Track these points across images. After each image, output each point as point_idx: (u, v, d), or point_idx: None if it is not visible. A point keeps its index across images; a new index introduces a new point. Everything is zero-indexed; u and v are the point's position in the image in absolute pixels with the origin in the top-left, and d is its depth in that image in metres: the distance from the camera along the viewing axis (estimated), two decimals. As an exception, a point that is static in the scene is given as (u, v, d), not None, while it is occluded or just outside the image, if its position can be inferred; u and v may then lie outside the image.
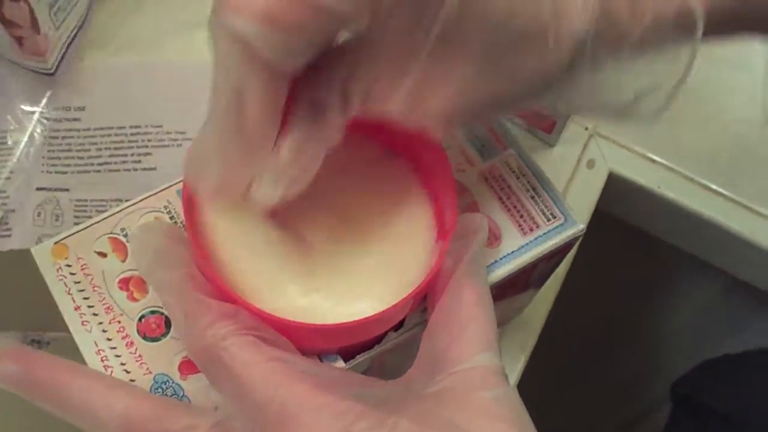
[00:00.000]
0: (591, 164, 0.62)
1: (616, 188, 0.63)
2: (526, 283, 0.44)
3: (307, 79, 0.31)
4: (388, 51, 0.30)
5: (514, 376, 0.53)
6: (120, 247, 0.39)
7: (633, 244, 0.71)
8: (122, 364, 0.36)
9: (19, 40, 0.53)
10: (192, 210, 0.36)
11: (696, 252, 0.68)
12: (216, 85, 0.30)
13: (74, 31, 0.58)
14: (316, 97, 0.31)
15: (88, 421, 0.34)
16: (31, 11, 0.51)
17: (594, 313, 0.86)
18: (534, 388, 0.51)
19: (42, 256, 0.38)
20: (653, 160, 0.63)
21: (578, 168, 0.61)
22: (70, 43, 0.57)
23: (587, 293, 0.73)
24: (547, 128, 0.59)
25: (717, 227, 0.62)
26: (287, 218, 0.37)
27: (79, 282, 0.38)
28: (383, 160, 0.39)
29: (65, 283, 0.38)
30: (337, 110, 0.32)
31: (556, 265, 0.45)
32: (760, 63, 0.67)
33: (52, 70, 0.56)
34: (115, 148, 0.57)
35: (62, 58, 0.57)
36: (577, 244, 0.54)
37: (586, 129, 0.63)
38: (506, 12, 0.29)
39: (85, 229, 0.39)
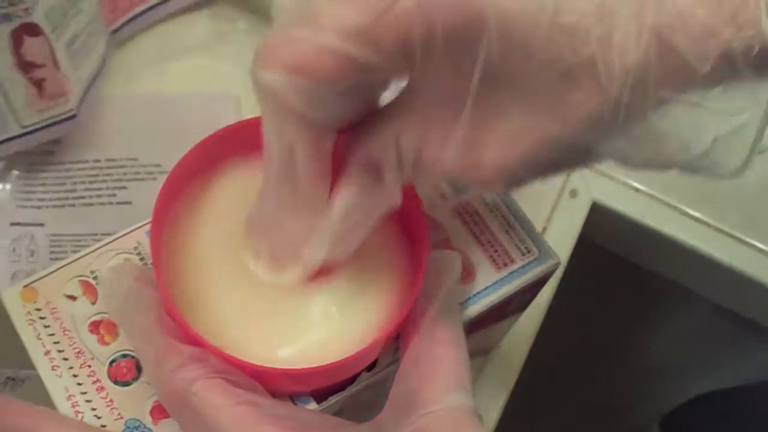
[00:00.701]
0: (574, 194, 0.62)
1: (599, 218, 0.63)
2: (503, 315, 0.44)
3: (361, 136, 0.32)
4: (432, 101, 0.30)
5: (496, 413, 0.53)
6: (90, 290, 0.39)
7: (618, 273, 0.71)
8: (93, 409, 0.36)
9: (39, 84, 0.51)
10: (159, 252, 0.36)
11: (681, 280, 0.68)
12: (265, 143, 0.31)
13: (94, 75, 0.56)
14: (370, 154, 0.32)
15: None
16: (51, 48, 0.50)
17: (579, 342, 0.86)
18: (517, 421, 0.51)
19: (11, 300, 0.38)
20: (637, 189, 0.63)
21: (561, 198, 0.61)
22: (90, 87, 0.56)
23: (572, 323, 0.73)
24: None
25: (701, 256, 0.62)
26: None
27: (48, 326, 0.38)
28: None
29: (35, 327, 0.38)
30: (392, 169, 0.32)
31: (532, 297, 0.45)
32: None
33: (74, 113, 0.54)
34: (90, 182, 0.57)
35: (82, 101, 0.55)
36: (561, 273, 0.55)
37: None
38: (549, 46, 0.27)
39: (54, 272, 0.39)
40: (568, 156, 0.30)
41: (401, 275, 0.37)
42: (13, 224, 0.56)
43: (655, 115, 0.28)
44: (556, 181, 0.62)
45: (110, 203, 0.56)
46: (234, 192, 0.38)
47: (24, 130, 0.53)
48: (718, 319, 0.75)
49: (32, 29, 0.49)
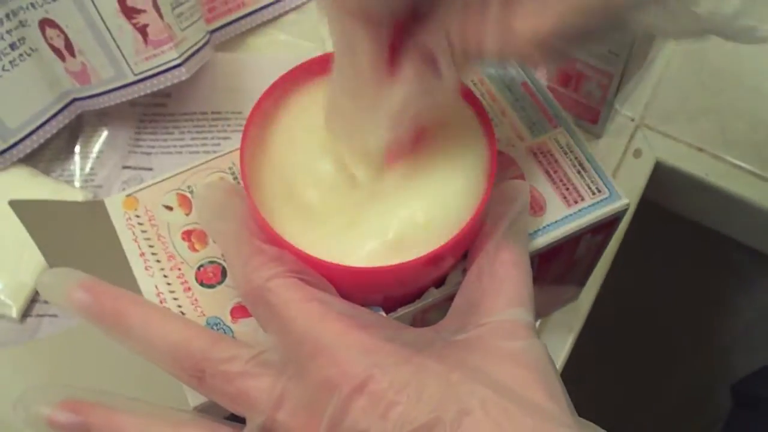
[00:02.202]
0: (637, 154, 0.63)
1: (663, 177, 0.63)
2: (573, 255, 0.45)
3: (413, 28, 0.34)
4: None
5: (561, 358, 0.55)
6: (185, 202, 0.42)
7: (684, 235, 0.71)
8: (179, 306, 0.39)
9: (143, 31, 0.54)
10: (248, 163, 0.39)
11: (747, 240, 0.68)
12: (332, 41, 0.34)
13: (200, 44, 0.58)
14: (423, 45, 0.34)
15: (146, 348, 0.37)
16: None
17: (645, 303, 0.85)
18: (584, 370, 0.52)
19: (114, 206, 0.42)
20: (700, 149, 0.63)
21: (624, 158, 0.63)
22: (197, 51, 0.58)
23: (637, 284, 0.73)
24: (593, 119, 0.60)
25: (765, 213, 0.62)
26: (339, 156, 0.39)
27: (145, 231, 0.41)
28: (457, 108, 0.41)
29: (133, 232, 0.41)
30: (444, 57, 0.33)
31: (602, 244, 0.46)
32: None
33: (180, 62, 0.55)
34: (197, 132, 0.61)
35: (190, 57, 0.57)
36: (624, 231, 0.56)
37: (632, 120, 0.64)
38: None
39: (155, 184, 0.43)
40: (600, 23, 0.31)
41: (478, 188, 0.39)
42: (125, 167, 0.60)
43: None
44: (619, 142, 0.63)
45: (214, 152, 0.59)
46: (313, 107, 0.40)
47: (136, 78, 0.56)
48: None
49: None
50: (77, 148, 0.61)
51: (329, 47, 0.51)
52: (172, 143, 0.61)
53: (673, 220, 0.68)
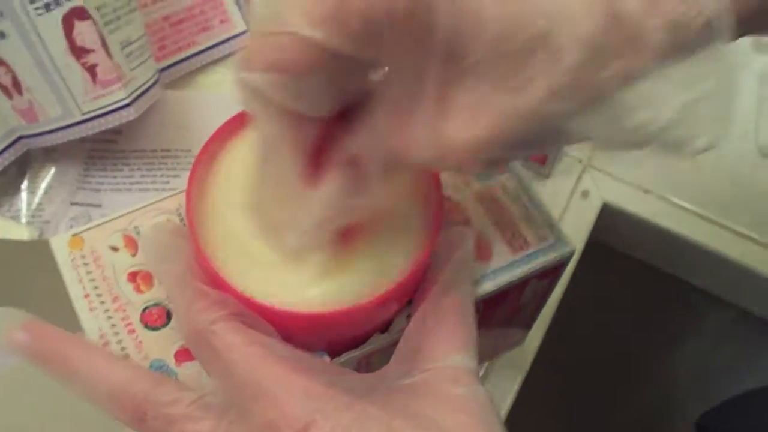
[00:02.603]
0: (585, 195, 0.64)
1: (610, 218, 0.64)
2: (518, 305, 0.46)
3: (340, 132, 0.33)
4: (402, 93, 0.31)
5: (505, 407, 0.55)
6: (131, 243, 0.42)
7: (632, 274, 0.72)
8: (123, 348, 0.39)
9: (92, 71, 0.54)
10: (193, 205, 0.39)
11: (693, 280, 0.69)
12: (256, 139, 0.35)
13: (149, 84, 0.58)
14: (349, 151, 0.33)
15: (88, 390, 0.36)
16: (100, 34, 0.53)
17: (595, 347, 0.86)
18: (528, 416, 0.52)
19: (59, 246, 0.42)
20: (647, 191, 0.65)
21: (572, 199, 0.63)
22: (145, 91, 0.58)
23: (584, 325, 0.74)
24: (541, 159, 0.61)
25: (714, 255, 0.63)
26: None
27: (90, 272, 0.41)
28: None
29: (78, 272, 0.41)
30: (372, 164, 0.33)
31: (548, 288, 0.46)
32: (752, 97, 0.69)
33: (128, 101, 0.55)
34: (147, 170, 0.60)
35: (137, 99, 0.57)
36: (571, 272, 0.56)
37: (580, 161, 0.65)
38: (503, 18, 0.28)
39: (101, 224, 0.42)
40: (535, 132, 0.30)
41: (419, 238, 0.39)
42: (73, 203, 0.60)
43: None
44: (567, 183, 0.64)
45: (163, 189, 0.60)
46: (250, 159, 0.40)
47: (84, 117, 0.56)
48: (742, 321, 0.76)
49: (81, 13, 0.52)
50: (25, 183, 0.61)
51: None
52: (121, 180, 0.60)
53: (620, 258, 0.69)
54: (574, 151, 0.65)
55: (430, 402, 0.34)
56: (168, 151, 0.61)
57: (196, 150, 0.59)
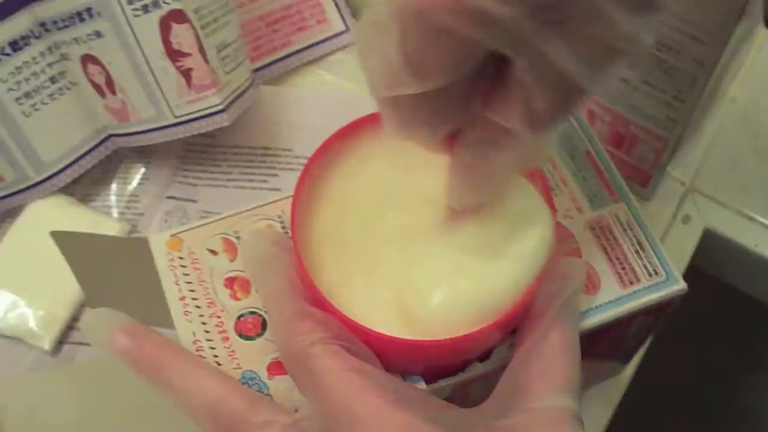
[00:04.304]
0: (686, 220, 0.61)
1: (711, 245, 0.61)
2: (624, 335, 0.43)
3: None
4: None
5: (600, 429, 0.52)
6: (231, 248, 0.40)
7: (732, 305, 0.68)
8: (215, 356, 0.37)
9: (187, 74, 0.53)
10: (297, 220, 0.37)
11: None
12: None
13: (245, 87, 0.57)
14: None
15: (182, 401, 0.35)
16: (198, 38, 0.51)
17: (689, 374, 0.83)
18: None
19: (158, 245, 0.40)
20: (751, 218, 0.61)
21: (673, 223, 0.60)
22: (239, 96, 0.56)
23: (681, 352, 0.71)
24: (643, 183, 0.58)
25: None
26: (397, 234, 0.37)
27: (188, 275, 0.40)
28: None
29: (175, 273, 0.40)
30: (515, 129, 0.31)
31: (652, 325, 0.44)
32: None
33: (223, 107, 0.53)
34: (245, 167, 0.59)
35: (232, 103, 0.55)
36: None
37: (683, 184, 0.62)
38: None
39: (201, 226, 0.41)
40: None
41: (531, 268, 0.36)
42: (169, 197, 0.59)
43: None
44: (668, 207, 0.61)
45: (261, 188, 0.58)
46: (371, 164, 0.39)
47: (177, 120, 0.55)
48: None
49: (179, 16, 0.50)
50: (118, 175, 0.60)
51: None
52: (218, 176, 0.59)
53: (720, 288, 0.66)
54: (677, 173, 0.62)
55: None
56: (267, 149, 0.59)
57: (297, 149, 0.58)
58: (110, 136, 0.58)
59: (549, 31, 0.27)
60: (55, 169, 0.56)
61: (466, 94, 0.30)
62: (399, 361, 0.36)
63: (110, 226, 0.56)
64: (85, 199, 0.59)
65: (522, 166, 0.35)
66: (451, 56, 0.27)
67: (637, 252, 0.40)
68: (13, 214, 0.57)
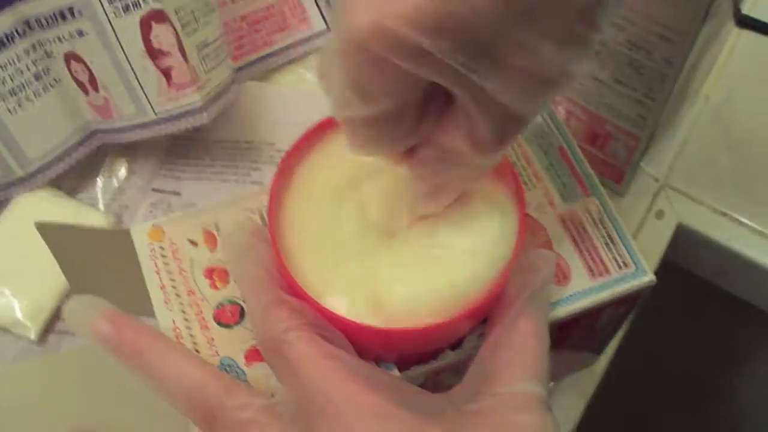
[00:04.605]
0: (660, 215, 0.61)
1: (684, 240, 0.62)
2: (593, 330, 0.44)
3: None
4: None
5: (573, 421, 0.53)
6: (211, 239, 0.41)
7: (702, 296, 0.69)
8: (194, 343, 0.38)
9: (167, 73, 0.53)
10: (275, 212, 0.38)
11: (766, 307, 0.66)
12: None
13: (226, 85, 0.57)
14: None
15: (161, 385, 0.36)
16: (178, 37, 0.52)
17: (661, 366, 0.83)
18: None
19: (139, 235, 0.41)
20: (723, 213, 0.62)
21: (647, 218, 0.61)
22: (219, 95, 0.57)
23: (653, 344, 0.71)
24: (617, 179, 0.59)
25: None
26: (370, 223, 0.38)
27: (168, 264, 0.40)
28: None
29: (156, 263, 0.40)
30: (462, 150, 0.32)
31: (623, 317, 0.44)
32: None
33: (201, 104, 0.54)
34: (229, 160, 0.59)
35: (212, 102, 0.56)
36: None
37: (656, 180, 0.63)
38: None
39: (182, 218, 0.41)
40: None
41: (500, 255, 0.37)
42: (154, 189, 0.59)
43: None
44: (642, 202, 0.62)
45: (244, 181, 0.58)
46: (344, 156, 0.39)
47: (157, 118, 0.55)
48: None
49: (159, 16, 0.51)
50: (104, 167, 0.60)
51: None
52: (202, 169, 0.59)
53: (693, 281, 0.67)
54: (651, 169, 0.62)
55: (498, 429, 0.33)
56: (251, 142, 0.60)
57: (279, 143, 0.59)
58: (95, 132, 0.59)
59: (481, 65, 0.28)
60: (40, 165, 0.57)
61: (415, 116, 0.32)
62: (372, 348, 0.36)
63: (96, 218, 0.57)
64: (71, 191, 0.59)
65: (475, 179, 0.37)
66: (393, 83, 0.29)
67: (607, 245, 0.41)
68: (0, 206, 0.58)
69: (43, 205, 0.57)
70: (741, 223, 0.61)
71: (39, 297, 0.54)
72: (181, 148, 0.60)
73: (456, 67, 0.28)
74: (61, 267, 0.42)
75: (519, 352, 0.35)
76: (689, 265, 0.65)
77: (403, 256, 0.37)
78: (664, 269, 0.59)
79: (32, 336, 0.53)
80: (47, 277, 0.54)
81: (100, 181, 0.60)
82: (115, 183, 0.59)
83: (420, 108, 0.31)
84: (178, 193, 0.58)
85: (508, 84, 0.29)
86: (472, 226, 0.37)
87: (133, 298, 0.40)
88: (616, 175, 0.59)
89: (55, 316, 0.54)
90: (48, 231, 0.42)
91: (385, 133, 0.32)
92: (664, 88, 0.48)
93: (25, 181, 0.57)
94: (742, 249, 0.61)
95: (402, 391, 0.34)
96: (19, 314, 0.54)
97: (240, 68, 0.63)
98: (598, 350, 0.51)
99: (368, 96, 0.30)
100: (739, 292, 0.66)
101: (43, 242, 0.42)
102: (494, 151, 0.32)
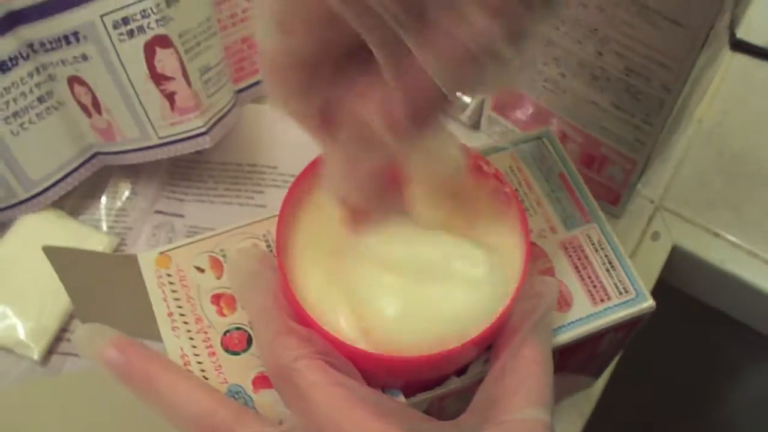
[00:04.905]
0: (655, 236, 0.62)
1: (680, 262, 0.62)
2: (594, 355, 0.44)
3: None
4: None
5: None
6: (217, 266, 0.41)
7: (697, 317, 0.69)
8: (202, 370, 0.38)
9: (171, 98, 0.53)
10: (283, 240, 0.38)
11: (760, 328, 0.67)
12: None
13: (228, 108, 0.57)
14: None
15: (170, 413, 0.36)
16: (181, 62, 0.52)
17: (657, 387, 0.83)
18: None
19: (147, 263, 0.41)
20: (717, 235, 0.62)
21: (643, 240, 0.61)
22: (222, 118, 0.57)
23: (649, 365, 0.71)
24: (614, 200, 0.59)
25: None
26: (374, 250, 0.38)
27: (175, 291, 0.40)
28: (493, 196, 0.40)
29: (163, 291, 0.40)
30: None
31: (623, 341, 0.45)
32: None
33: (205, 130, 0.54)
34: (231, 183, 0.60)
35: (214, 125, 0.56)
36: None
37: (652, 202, 0.63)
38: None
39: (188, 244, 0.41)
40: None
41: (505, 284, 0.37)
42: (157, 212, 0.59)
43: None
44: (638, 224, 0.62)
45: (247, 204, 0.59)
46: None
47: (160, 141, 0.56)
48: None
49: (164, 41, 0.51)
50: (107, 189, 0.61)
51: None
52: (205, 191, 0.59)
53: (689, 303, 0.67)
54: (647, 191, 0.63)
55: None
56: (254, 165, 0.60)
57: (282, 166, 0.59)
58: (97, 153, 0.59)
59: (411, 20, 0.27)
60: (43, 187, 0.57)
61: (333, 72, 0.31)
62: (379, 375, 0.37)
63: (99, 240, 0.57)
64: (74, 212, 0.59)
65: (388, 164, 0.34)
66: (316, 21, 0.29)
67: (608, 270, 0.41)
68: (3, 227, 0.58)
69: (47, 226, 0.57)
70: (734, 244, 0.62)
71: (42, 318, 0.54)
72: (184, 170, 0.60)
73: (386, 17, 0.27)
74: (67, 290, 0.42)
75: (524, 379, 0.35)
76: (683, 285, 0.65)
77: (409, 285, 0.37)
78: (659, 289, 0.60)
79: (35, 356, 0.53)
80: (50, 297, 0.54)
81: (103, 203, 0.60)
82: (118, 204, 0.60)
83: (338, 67, 0.31)
84: (181, 215, 0.59)
85: (433, 48, 0.27)
86: (478, 253, 0.38)
87: (139, 322, 0.40)
88: (613, 197, 0.59)
89: (58, 337, 0.54)
90: (54, 254, 0.42)
91: (300, 79, 0.31)
92: (662, 114, 0.48)
93: (28, 203, 0.57)
94: (735, 270, 0.61)
95: (409, 418, 0.34)
96: (22, 335, 0.54)
97: (241, 90, 0.63)
98: (597, 374, 0.51)
99: (289, 28, 0.29)
100: (732, 312, 0.67)
101: (46, 263, 0.41)
102: (406, 133, 0.30)
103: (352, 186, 0.35)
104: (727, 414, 0.89)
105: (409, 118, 0.29)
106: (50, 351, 0.54)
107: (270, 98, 0.32)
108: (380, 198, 0.36)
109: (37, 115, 0.55)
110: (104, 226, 0.59)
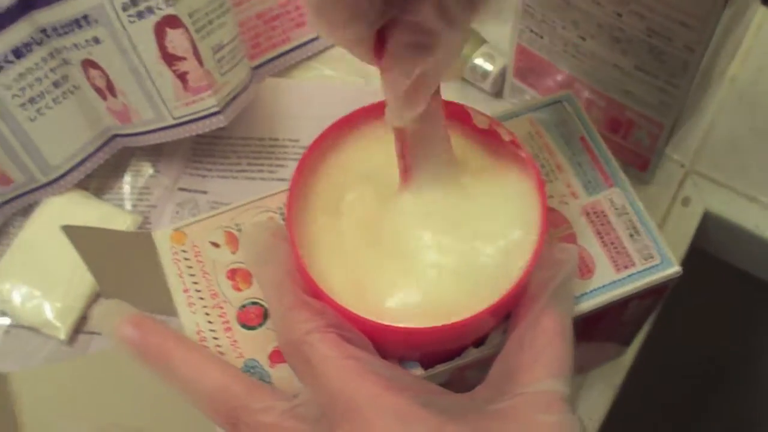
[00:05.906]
0: (686, 202, 0.59)
1: (711, 227, 0.60)
2: (619, 323, 0.42)
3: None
4: None
5: (601, 414, 0.52)
6: (232, 240, 0.40)
7: (731, 283, 0.67)
8: (218, 345, 0.37)
9: (183, 78, 0.52)
10: (294, 213, 0.37)
11: None
12: None
13: (243, 86, 0.56)
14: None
15: (185, 388, 0.35)
16: (192, 41, 0.51)
17: (691, 354, 0.81)
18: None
19: (162, 240, 0.40)
20: (751, 198, 0.60)
21: (673, 205, 0.59)
22: (236, 97, 0.56)
23: (683, 332, 0.69)
24: (642, 166, 0.57)
25: None
26: (384, 226, 0.37)
27: (191, 267, 0.39)
28: (511, 163, 0.38)
29: (179, 267, 0.39)
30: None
31: (650, 308, 0.43)
32: None
33: (219, 109, 0.53)
34: (254, 158, 0.59)
35: (229, 104, 0.55)
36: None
37: (682, 166, 0.61)
38: None
39: (203, 219, 0.41)
40: None
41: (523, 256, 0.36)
42: (180, 189, 0.58)
43: None
44: (668, 189, 0.60)
45: (270, 179, 0.58)
46: (363, 154, 0.39)
47: (175, 122, 0.55)
48: None
49: (173, 21, 0.50)
50: (130, 168, 0.60)
51: (375, 82, 0.49)
52: (228, 167, 0.58)
53: (721, 268, 0.65)
54: (677, 155, 0.61)
55: (521, 429, 0.32)
56: (276, 140, 0.59)
57: (304, 139, 0.58)
58: (115, 136, 0.58)
59: None
60: (63, 171, 0.57)
61: None
62: (395, 347, 0.36)
63: (123, 219, 0.56)
64: (98, 192, 0.59)
65: (446, 68, 0.33)
66: None
67: (631, 236, 0.39)
68: (26, 210, 0.58)
69: (71, 207, 0.57)
70: (769, 208, 0.60)
71: (69, 298, 0.54)
72: (206, 147, 0.59)
73: None
74: (89, 268, 0.42)
75: (542, 350, 0.34)
76: (716, 251, 0.63)
77: (426, 253, 0.36)
78: (692, 256, 0.58)
79: (62, 336, 0.53)
80: (76, 277, 0.53)
81: (126, 182, 0.59)
82: (141, 183, 0.59)
83: None
84: (204, 192, 0.58)
85: None
86: (494, 221, 0.36)
87: (157, 299, 0.40)
88: (641, 162, 0.57)
89: (85, 316, 0.54)
90: (74, 234, 0.42)
91: (354, 10, 0.30)
92: (687, 75, 0.46)
93: (49, 187, 0.56)
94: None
95: (425, 391, 0.33)
96: (49, 315, 0.53)
97: (258, 66, 0.62)
98: (626, 342, 0.49)
99: None
100: (764, 276, 0.64)
101: (68, 245, 0.41)
102: (463, 19, 0.31)
103: (408, 105, 0.34)
104: (766, 385, 0.87)
105: (464, 7, 0.31)
106: (77, 330, 0.54)
107: (322, 28, 0.31)
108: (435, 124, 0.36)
109: (54, 99, 0.54)
110: (128, 205, 0.58)
